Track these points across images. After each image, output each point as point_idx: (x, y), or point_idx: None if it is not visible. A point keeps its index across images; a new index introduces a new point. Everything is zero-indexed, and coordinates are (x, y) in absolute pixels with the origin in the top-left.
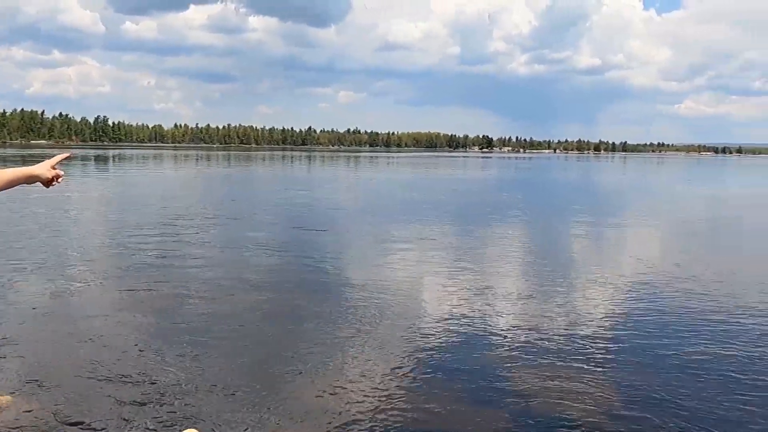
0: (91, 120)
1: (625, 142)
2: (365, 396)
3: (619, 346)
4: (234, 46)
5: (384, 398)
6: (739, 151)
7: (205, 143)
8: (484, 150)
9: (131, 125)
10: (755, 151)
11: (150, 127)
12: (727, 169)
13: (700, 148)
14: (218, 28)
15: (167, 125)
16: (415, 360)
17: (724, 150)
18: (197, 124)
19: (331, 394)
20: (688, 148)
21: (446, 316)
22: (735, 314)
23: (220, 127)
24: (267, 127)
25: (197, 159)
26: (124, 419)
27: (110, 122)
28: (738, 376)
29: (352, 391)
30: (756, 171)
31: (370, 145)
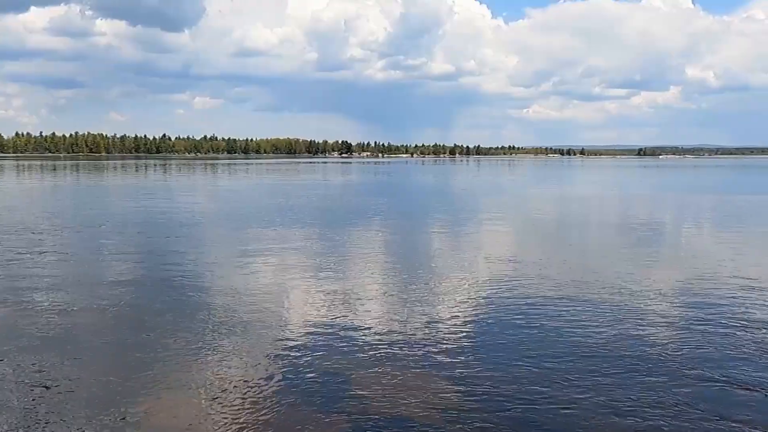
0: None
1: (479, 145)
2: (215, 405)
3: (472, 343)
4: (81, 51)
5: (232, 406)
6: (583, 152)
7: (50, 152)
8: (344, 155)
9: None
10: (597, 152)
11: None
12: (572, 170)
13: (548, 151)
14: (62, 32)
15: (8, 134)
16: (271, 367)
17: (569, 152)
18: (41, 132)
19: (180, 404)
20: (537, 150)
21: (304, 322)
22: (582, 303)
23: (68, 135)
24: (118, 135)
25: (42, 169)
26: None
27: None
28: (587, 357)
29: (202, 401)
30: (597, 171)
31: (229, 152)
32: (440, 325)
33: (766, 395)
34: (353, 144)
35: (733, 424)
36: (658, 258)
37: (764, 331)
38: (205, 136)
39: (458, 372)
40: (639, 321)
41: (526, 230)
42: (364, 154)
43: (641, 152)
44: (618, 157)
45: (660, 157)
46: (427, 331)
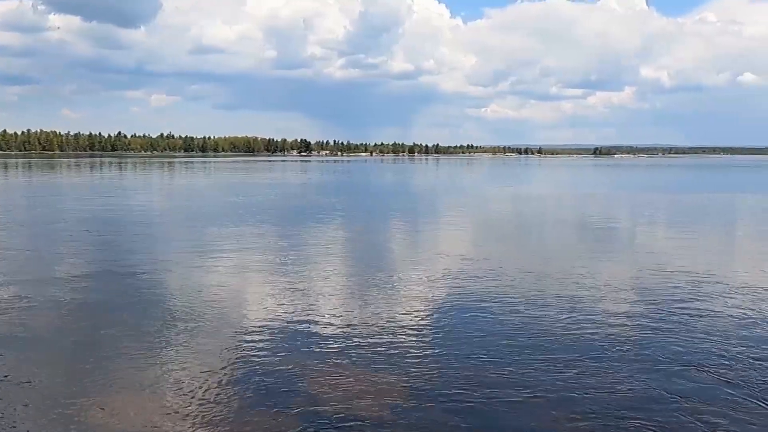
0: None
1: (437, 144)
2: (167, 404)
3: (428, 340)
4: (33, 46)
5: (185, 404)
6: (539, 152)
7: (2, 150)
8: (303, 153)
9: None
10: (553, 152)
11: None
12: (530, 169)
13: (505, 149)
14: (13, 26)
15: None
16: (225, 365)
17: (527, 151)
18: None
19: (132, 402)
20: (494, 149)
21: (259, 320)
22: (536, 298)
23: (19, 132)
24: (72, 133)
25: None
26: None
27: None
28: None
29: (154, 400)
30: (553, 170)
31: (186, 151)
32: (396, 322)
33: (714, 376)
34: (312, 142)
35: (686, 405)
36: (611, 253)
37: (711, 319)
38: (161, 134)
39: (413, 369)
40: (593, 313)
41: (483, 228)
42: (323, 152)
43: (597, 152)
44: (574, 156)
45: (615, 156)
46: (382, 329)
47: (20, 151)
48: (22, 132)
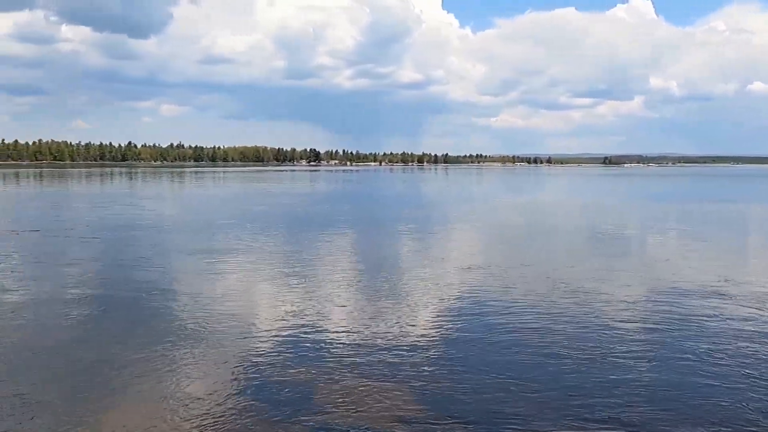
0: None
1: (447, 153)
2: (177, 415)
3: (438, 352)
4: (45, 57)
5: (194, 416)
6: (549, 161)
7: (13, 160)
8: (312, 163)
9: None
10: (562, 161)
11: None
12: (540, 179)
13: (515, 159)
14: (26, 38)
15: None
16: (234, 376)
17: (536, 160)
18: (3, 140)
19: (141, 413)
20: (504, 159)
21: (269, 331)
22: (547, 309)
23: (31, 142)
24: (83, 143)
25: (3, 177)
26: None
27: None
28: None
29: (163, 410)
30: (564, 180)
31: (195, 160)
32: (405, 333)
33: (730, 388)
34: (321, 152)
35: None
36: (624, 264)
37: (727, 333)
38: (171, 144)
39: (424, 381)
40: (605, 324)
41: (499, 237)
42: (333, 162)
43: (607, 161)
44: (584, 165)
45: (625, 165)
46: (392, 340)
47: (32, 161)
48: (34, 142)
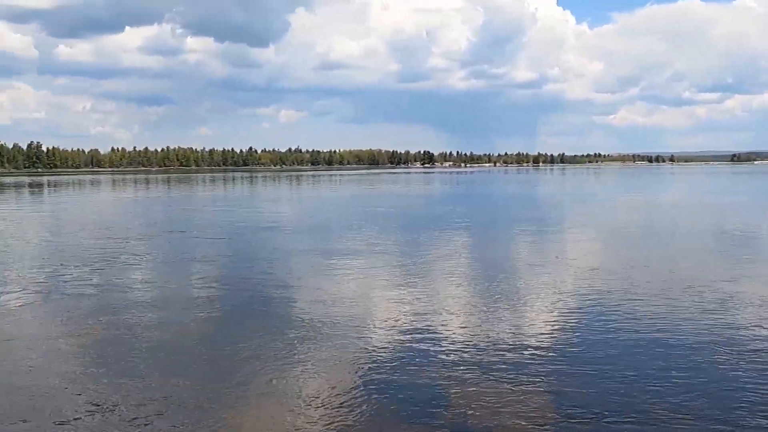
0: (24, 146)
1: (563, 153)
2: (306, 415)
3: (565, 354)
4: (171, 68)
5: (323, 416)
6: (672, 159)
7: (143, 167)
8: (426, 165)
9: (66, 150)
10: (687, 159)
11: (86, 152)
12: (663, 177)
13: (635, 158)
14: (154, 50)
15: (104, 149)
16: (361, 377)
17: (658, 159)
18: (135, 147)
19: (271, 413)
20: (624, 158)
21: (392, 332)
22: (675, 322)
23: (159, 149)
24: (207, 149)
25: (135, 183)
26: None
27: (44, 148)
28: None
29: (293, 410)
30: (689, 179)
31: (312, 164)
32: (529, 334)
33: None
34: (435, 154)
35: None
36: (755, 269)
37: None
38: (289, 149)
39: (554, 384)
40: (738, 334)
41: (626, 243)
42: (446, 164)
43: (735, 158)
44: (710, 163)
45: (756, 162)
46: (518, 341)
47: (160, 166)
48: (162, 149)
